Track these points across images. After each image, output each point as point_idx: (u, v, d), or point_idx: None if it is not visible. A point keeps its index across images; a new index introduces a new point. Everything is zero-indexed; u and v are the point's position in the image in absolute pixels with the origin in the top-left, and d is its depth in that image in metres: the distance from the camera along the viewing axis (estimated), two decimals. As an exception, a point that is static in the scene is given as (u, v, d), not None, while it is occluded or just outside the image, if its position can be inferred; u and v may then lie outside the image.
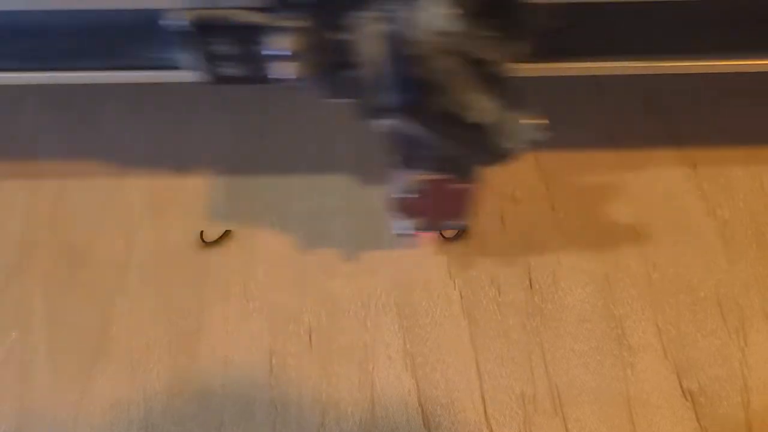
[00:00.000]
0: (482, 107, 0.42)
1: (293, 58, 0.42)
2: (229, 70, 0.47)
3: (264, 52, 0.43)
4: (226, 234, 0.66)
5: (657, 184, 0.69)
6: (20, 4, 0.47)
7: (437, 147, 0.47)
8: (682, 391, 0.58)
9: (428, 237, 0.66)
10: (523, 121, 0.44)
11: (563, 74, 0.55)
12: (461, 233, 0.65)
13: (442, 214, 0.57)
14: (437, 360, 0.59)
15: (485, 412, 0.57)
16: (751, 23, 0.55)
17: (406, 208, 0.55)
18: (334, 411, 0.57)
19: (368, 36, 0.41)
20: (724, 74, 0.55)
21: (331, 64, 0.43)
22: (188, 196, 0.68)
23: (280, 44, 0.42)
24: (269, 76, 0.44)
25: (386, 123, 0.44)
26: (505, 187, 0.69)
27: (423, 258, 0.65)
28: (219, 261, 0.65)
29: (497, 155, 0.45)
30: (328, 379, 0.59)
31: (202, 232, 0.66)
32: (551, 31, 0.46)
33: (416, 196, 0.52)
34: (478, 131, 0.43)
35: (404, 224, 0.57)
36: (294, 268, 0.64)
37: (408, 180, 0.52)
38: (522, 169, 0.70)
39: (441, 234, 0.65)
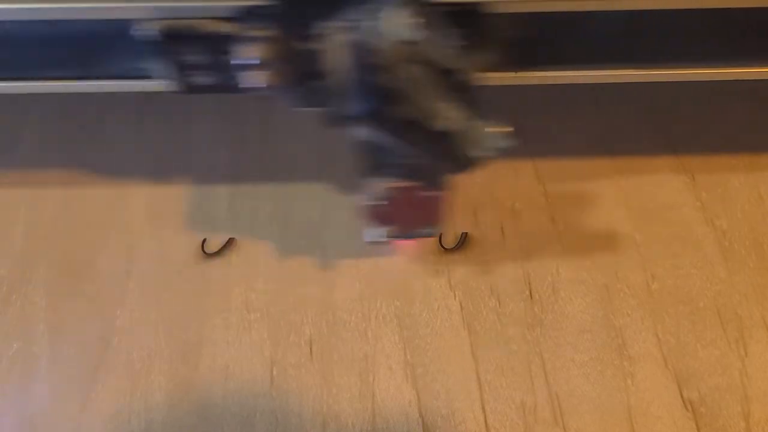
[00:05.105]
0: (448, 115, 0.43)
1: (262, 68, 0.42)
2: (200, 79, 0.47)
3: (233, 62, 0.43)
4: (228, 244, 0.66)
5: (656, 194, 0.69)
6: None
7: (404, 154, 0.47)
8: (683, 401, 0.58)
9: (405, 245, 0.65)
10: (488, 130, 0.44)
11: (557, 82, 0.56)
12: (461, 243, 0.66)
13: (414, 221, 0.57)
14: (438, 370, 0.60)
15: (486, 422, 0.57)
16: (748, 32, 0.55)
17: (378, 215, 0.55)
18: (335, 422, 0.57)
19: (334, 45, 0.41)
20: (722, 82, 0.56)
21: (300, 73, 0.43)
22: (189, 207, 0.69)
23: (248, 53, 0.42)
24: (240, 86, 0.44)
25: (352, 131, 0.44)
26: (505, 198, 0.69)
27: (423, 269, 0.65)
28: (220, 272, 0.65)
29: (464, 163, 0.45)
30: (328, 390, 0.59)
31: (203, 242, 0.66)
32: (521, 41, 0.46)
33: (386, 203, 0.53)
34: (444, 139, 0.44)
35: (376, 232, 0.57)
36: (295, 278, 0.64)
37: (378, 187, 0.52)
38: (522, 180, 0.70)
39: (441, 245, 0.66)
